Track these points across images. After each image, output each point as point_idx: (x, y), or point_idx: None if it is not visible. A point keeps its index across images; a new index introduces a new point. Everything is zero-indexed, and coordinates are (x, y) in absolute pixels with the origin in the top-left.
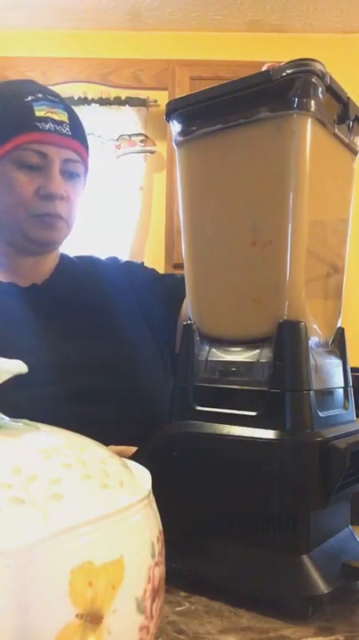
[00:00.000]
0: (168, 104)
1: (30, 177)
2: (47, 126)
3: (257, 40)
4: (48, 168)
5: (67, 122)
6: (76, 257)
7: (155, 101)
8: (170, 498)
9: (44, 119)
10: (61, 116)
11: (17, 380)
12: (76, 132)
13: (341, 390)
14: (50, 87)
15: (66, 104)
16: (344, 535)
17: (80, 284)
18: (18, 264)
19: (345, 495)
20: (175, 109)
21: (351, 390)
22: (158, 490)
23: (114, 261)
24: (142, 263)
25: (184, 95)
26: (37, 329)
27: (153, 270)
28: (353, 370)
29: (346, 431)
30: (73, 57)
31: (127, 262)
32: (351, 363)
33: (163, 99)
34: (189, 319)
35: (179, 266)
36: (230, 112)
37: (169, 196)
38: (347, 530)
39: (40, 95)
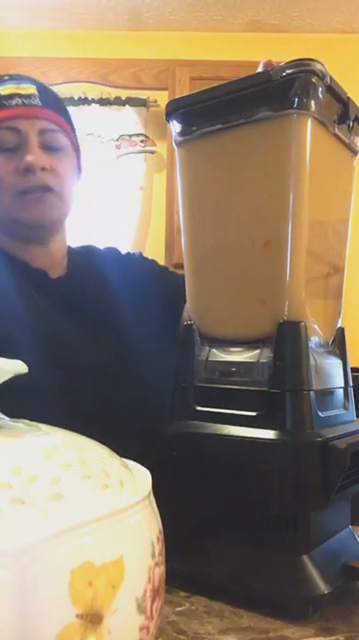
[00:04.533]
0: (168, 104)
1: (7, 158)
2: (14, 102)
3: (257, 40)
4: (24, 143)
5: (36, 93)
6: (78, 247)
7: (156, 101)
8: (170, 498)
9: (11, 96)
10: (29, 89)
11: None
12: (48, 101)
13: (341, 390)
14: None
15: (35, 80)
16: (344, 535)
17: (88, 276)
18: (29, 255)
19: (345, 495)
20: (175, 109)
21: (351, 390)
22: (158, 490)
23: (113, 252)
24: (141, 254)
25: (184, 95)
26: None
27: (154, 262)
28: (353, 370)
29: (346, 431)
30: (73, 57)
31: (127, 254)
32: (351, 363)
33: (163, 99)
34: (189, 319)
35: (179, 266)
36: (230, 112)
37: (169, 195)
38: (347, 530)
39: (6, 77)
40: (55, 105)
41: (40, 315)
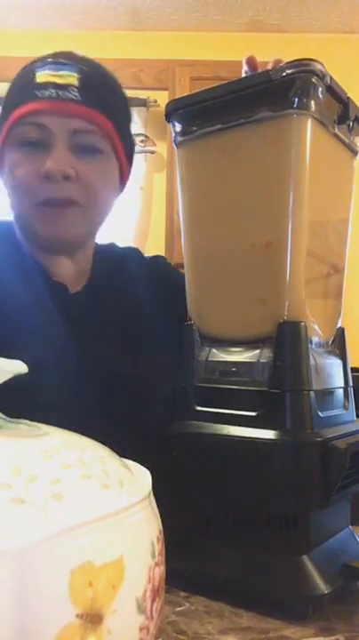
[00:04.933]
0: (168, 104)
1: (31, 156)
2: (47, 93)
3: (257, 40)
4: (51, 144)
5: (76, 84)
6: (104, 247)
7: (156, 101)
8: (170, 498)
9: (44, 85)
10: (68, 78)
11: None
12: (90, 95)
13: (341, 390)
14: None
15: (83, 66)
16: (344, 535)
17: (109, 289)
18: (54, 265)
19: (345, 495)
20: (175, 109)
21: (351, 390)
22: (158, 490)
23: (137, 260)
24: (165, 261)
25: (184, 95)
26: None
27: (177, 275)
28: (353, 370)
29: (346, 431)
30: None
31: (153, 261)
32: (351, 363)
33: (163, 99)
34: (189, 319)
35: (180, 266)
36: (230, 112)
37: (169, 196)
38: (347, 530)
39: (49, 60)
40: (100, 100)
41: (56, 329)
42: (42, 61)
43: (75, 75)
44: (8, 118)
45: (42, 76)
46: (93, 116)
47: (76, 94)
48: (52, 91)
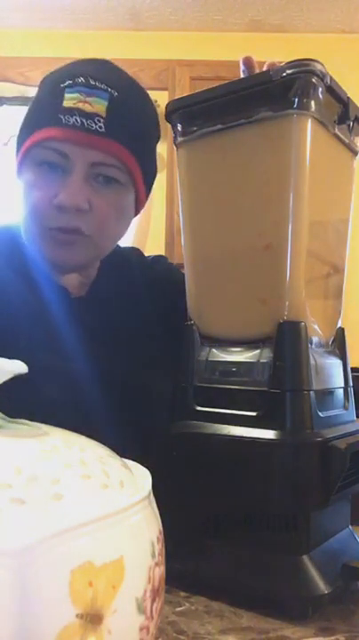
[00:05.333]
0: (168, 104)
1: (49, 179)
2: (72, 120)
3: (257, 40)
4: (69, 172)
5: (103, 115)
6: (122, 249)
7: (156, 101)
8: (170, 498)
9: (70, 111)
10: (96, 106)
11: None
12: (116, 127)
13: (341, 390)
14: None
15: (115, 91)
16: (344, 535)
17: (111, 293)
18: (60, 276)
19: (345, 495)
20: (175, 110)
21: (351, 390)
22: (158, 490)
23: (140, 262)
24: (166, 265)
25: (184, 95)
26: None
27: (179, 277)
28: (353, 370)
29: (346, 431)
30: (73, 57)
31: (154, 263)
32: (351, 363)
33: (163, 99)
34: (189, 319)
35: (179, 266)
36: (230, 112)
37: (169, 196)
38: (347, 530)
39: (80, 79)
40: (125, 132)
41: (59, 333)
42: (73, 78)
43: (104, 103)
44: (29, 137)
45: (70, 99)
46: (116, 150)
47: (102, 125)
48: (78, 119)
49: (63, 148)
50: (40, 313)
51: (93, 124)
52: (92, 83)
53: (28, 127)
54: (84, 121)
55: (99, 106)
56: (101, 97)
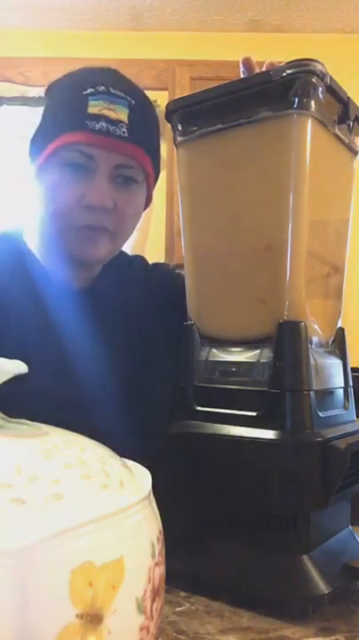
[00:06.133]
0: (168, 104)
1: (74, 180)
2: (98, 126)
3: (257, 40)
4: (94, 173)
5: (126, 121)
6: (128, 255)
7: (156, 101)
8: (170, 498)
9: (96, 117)
10: (120, 114)
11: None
12: (137, 133)
13: (341, 390)
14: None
15: (132, 99)
16: (344, 535)
17: (113, 290)
18: (69, 274)
19: (345, 495)
20: (175, 110)
21: (351, 390)
22: (158, 490)
23: (142, 269)
24: (167, 271)
25: (184, 95)
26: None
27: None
28: (353, 370)
29: (346, 431)
30: (73, 57)
31: (155, 270)
32: (351, 363)
33: (163, 99)
34: (189, 319)
35: (180, 266)
36: (230, 112)
37: (169, 196)
38: (347, 530)
39: (101, 88)
40: (143, 136)
41: (53, 326)
42: (94, 86)
43: (126, 110)
44: (54, 140)
45: (95, 106)
46: (136, 153)
47: (124, 131)
48: (104, 124)
49: (90, 151)
50: (44, 309)
51: (117, 130)
52: (113, 91)
53: (51, 131)
54: (109, 127)
55: (121, 113)
56: (123, 105)
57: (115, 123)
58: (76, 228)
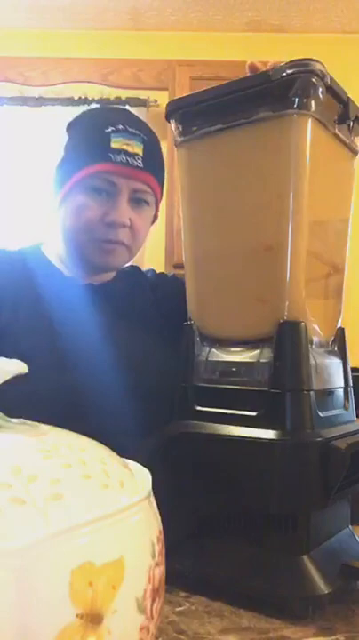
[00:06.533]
0: (168, 104)
1: (98, 202)
2: (119, 158)
3: (257, 40)
4: (116, 196)
5: (141, 154)
6: (141, 268)
7: (156, 101)
8: (170, 498)
9: (118, 151)
10: (136, 148)
11: None
12: (149, 164)
13: (341, 390)
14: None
15: (144, 136)
16: (344, 535)
17: (130, 291)
18: (90, 278)
19: (345, 495)
20: (175, 110)
21: (351, 390)
22: (158, 490)
23: (155, 276)
24: (174, 280)
25: (184, 95)
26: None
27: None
28: (353, 370)
29: (346, 431)
30: (73, 57)
31: (160, 278)
32: (351, 363)
33: (163, 99)
34: (189, 319)
35: (179, 266)
36: (230, 112)
37: (169, 196)
38: (347, 530)
39: (120, 127)
40: (155, 167)
41: (78, 317)
42: (114, 125)
43: (141, 145)
44: (82, 169)
45: (117, 142)
46: (149, 180)
47: (140, 162)
48: (124, 157)
49: (112, 179)
50: (59, 303)
51: (135, 161)
52: (130, 129)
53: (77, 162)
54: (129, 159)
55: (138, 148)
56: (138, 141)
57: (133, 155)
58: (99, 242)
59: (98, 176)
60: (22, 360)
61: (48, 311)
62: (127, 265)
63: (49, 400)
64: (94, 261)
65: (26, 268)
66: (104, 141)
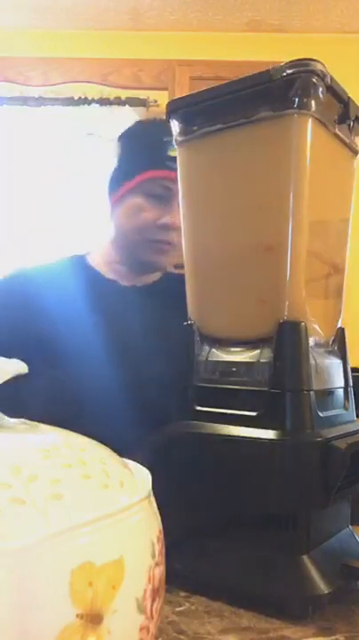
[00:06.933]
0: (168, 104)
1: (153, 205)
2: (175, 166)
3: (257, 40)
4: (170, 201)
5: None
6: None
7: (156, 101)
8: (170, 498)
9: (174, 159)
10: None
11: None
12: None
13: (341, 390)
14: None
15: None
16: (344, 535)
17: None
18: (128, 280)
19: (345, 495)
20: (175, 109)
21: (351, 390)
22: (158, 490)
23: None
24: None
25: (184, 95)
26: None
27: None
28: (353, 370)
29: (346, 431)
30: (73, 57)
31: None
32: (351, 363)
33: (163, 99)
34: (189, 319)
35: (180, 266)
36: (230, 112)
37: None
38: (347, 530)
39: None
40: None
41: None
42: (170, 136)
43: None
44: (140, 174)
45: (173, 151)
46: None
47: None
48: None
49: (169, 184)
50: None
51: None
52: None
53: (133, 168)
54: None
55: None
56: None
57: None
58: (151, 242)
59: (156, 182)
60: (69, 360)
61: (92, 314)
62: (175, 272)
63: (100, 400)
64: (144, 259)
65: (69, 278)
66: (162, 149)
